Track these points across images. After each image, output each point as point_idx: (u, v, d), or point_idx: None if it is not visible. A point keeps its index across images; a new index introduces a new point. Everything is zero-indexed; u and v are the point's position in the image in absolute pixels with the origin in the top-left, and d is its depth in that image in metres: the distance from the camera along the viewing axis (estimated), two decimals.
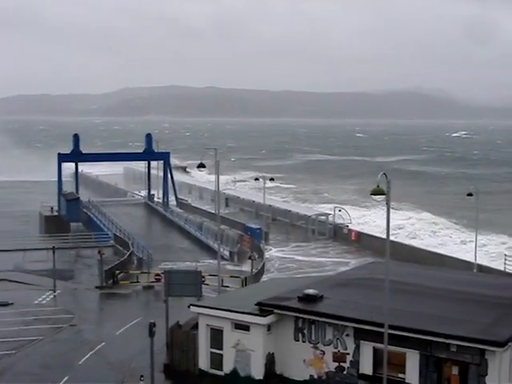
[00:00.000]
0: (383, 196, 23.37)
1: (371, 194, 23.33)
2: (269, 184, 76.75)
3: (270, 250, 67.12)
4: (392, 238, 42.88)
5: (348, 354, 28.31)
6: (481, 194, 53.14)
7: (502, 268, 51.49)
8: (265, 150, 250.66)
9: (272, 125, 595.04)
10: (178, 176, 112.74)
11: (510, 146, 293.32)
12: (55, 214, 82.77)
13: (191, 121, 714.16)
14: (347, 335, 28.23)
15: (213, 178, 71.68)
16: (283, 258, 64.56)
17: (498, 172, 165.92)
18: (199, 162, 42.02)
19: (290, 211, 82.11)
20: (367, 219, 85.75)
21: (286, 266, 61.19)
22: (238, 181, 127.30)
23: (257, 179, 79.99)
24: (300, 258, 65.14)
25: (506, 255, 52.63)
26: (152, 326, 28.31)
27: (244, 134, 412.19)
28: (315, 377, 29.15)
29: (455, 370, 26.13)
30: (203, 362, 31.03)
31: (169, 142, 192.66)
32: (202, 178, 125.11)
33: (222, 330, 30.31)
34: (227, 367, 30.31)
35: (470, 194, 53.25)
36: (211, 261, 57.87)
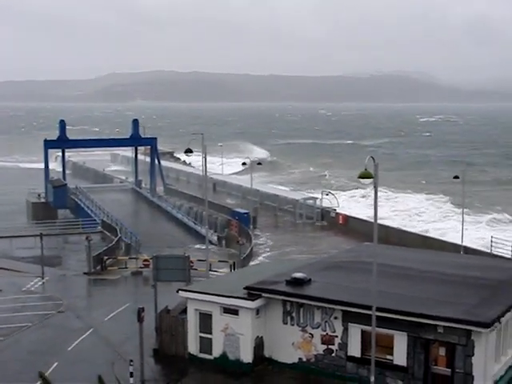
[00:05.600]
0: (371, 179, 23.47)
1: (359, 178, 23.42)
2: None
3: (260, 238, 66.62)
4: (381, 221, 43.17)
5: (336, 336, 28.53)
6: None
7: (488, 250, 51.83)
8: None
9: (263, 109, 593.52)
10: (165, 162, 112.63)
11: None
12: (42, 200, 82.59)
13: (178, 106, 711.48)
14: (335, 318, 28.41)
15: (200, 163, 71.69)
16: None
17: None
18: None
19: (277, 195, 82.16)
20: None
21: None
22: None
23: (244, 164, 79.90)
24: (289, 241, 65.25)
25: (492, 237, 52.92)
26: (141, 311, 28.40)
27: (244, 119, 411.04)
28: (304, 360, 29.37)
29: (442, 351, 26.41)
30: (192, 347, 31.17)
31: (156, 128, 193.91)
32: (195, 163, 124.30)
33: (210, 315, 30.44)
34: (216, 351, 30.47)
35: (456, 177, 53.41)
36: (199, 246, 57.99)
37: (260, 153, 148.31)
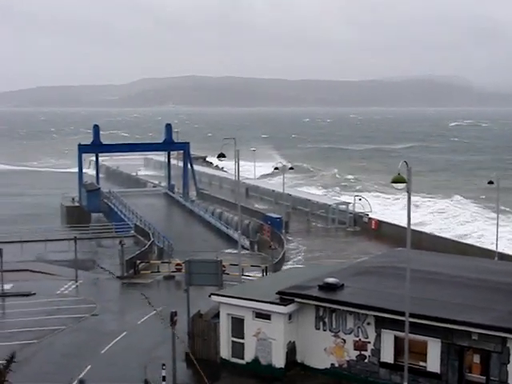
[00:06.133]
0: (404, 184, 23.27)
1: (392, 182, 23.24)
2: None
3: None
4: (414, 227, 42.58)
5: (369, 342, 28.34)
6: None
7: None
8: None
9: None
10: (198, 166, 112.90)
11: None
12: (76, 204, 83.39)
13: (210, 111, 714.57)
14: (368, 324, 28.23)
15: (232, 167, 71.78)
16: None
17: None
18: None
19: (309, 200, 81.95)
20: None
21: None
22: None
23: (276, 168, 79.82)
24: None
25: None
26: (173, 315, 28.46)
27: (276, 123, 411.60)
28: (336, 365, 29.22)
29: (477, 359, 26.08)
30: (224, 351, 31.19)
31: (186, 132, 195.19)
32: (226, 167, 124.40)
33: (243, 319, 30.43)
34: (248, 356, 30.45)
35: (490, 182, 52.74)
36: (231, 250, 58.02)
37: (280, 160, 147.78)
